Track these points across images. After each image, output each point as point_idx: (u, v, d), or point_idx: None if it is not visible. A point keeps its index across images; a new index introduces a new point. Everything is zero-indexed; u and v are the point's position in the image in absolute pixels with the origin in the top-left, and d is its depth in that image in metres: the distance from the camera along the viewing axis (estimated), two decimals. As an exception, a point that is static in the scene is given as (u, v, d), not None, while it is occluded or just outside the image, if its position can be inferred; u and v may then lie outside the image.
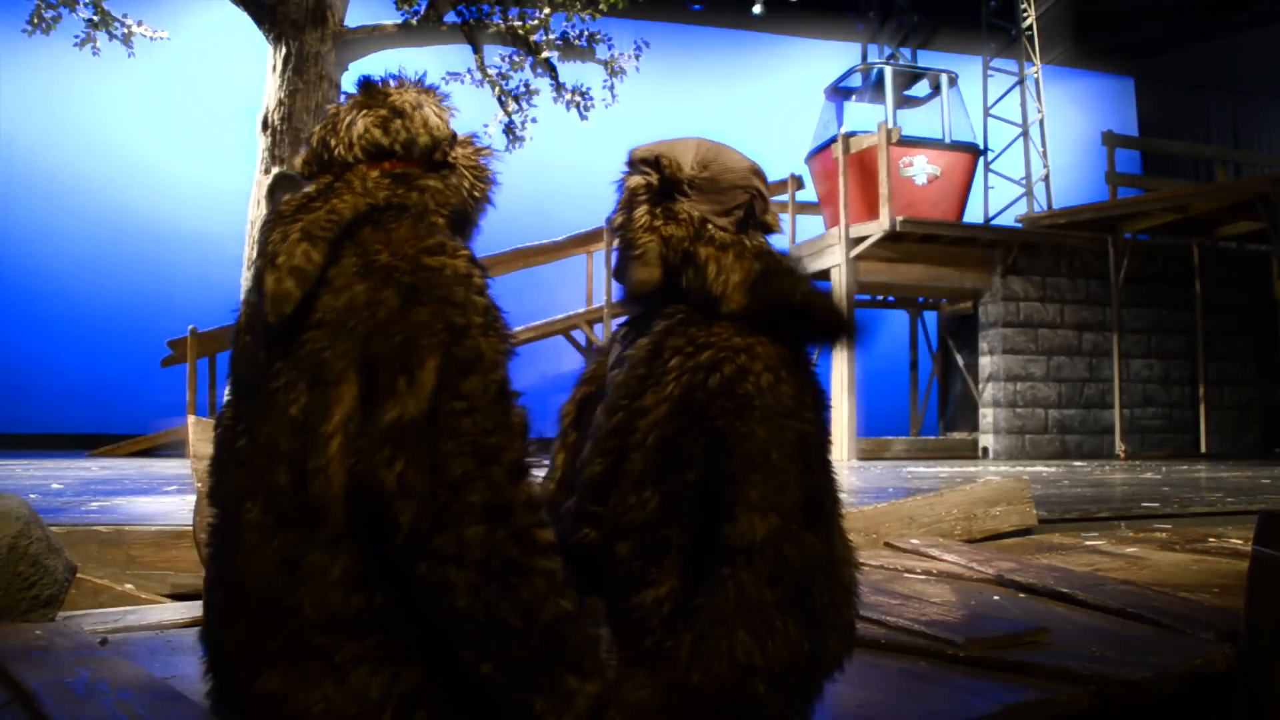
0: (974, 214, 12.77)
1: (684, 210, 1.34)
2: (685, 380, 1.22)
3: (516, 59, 8.47)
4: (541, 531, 1.13)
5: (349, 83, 1.57)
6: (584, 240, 11.27)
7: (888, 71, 12.50)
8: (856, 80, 13.06)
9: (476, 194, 1.39)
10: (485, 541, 1.09)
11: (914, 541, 3.17)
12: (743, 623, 1.13)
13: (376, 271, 1.17)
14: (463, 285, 1.19)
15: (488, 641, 1.10)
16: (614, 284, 1.44)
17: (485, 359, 1.16)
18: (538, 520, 1.13)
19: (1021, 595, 2.47)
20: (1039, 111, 13.63)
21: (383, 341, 1.14)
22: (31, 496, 4.16)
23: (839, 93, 13.10)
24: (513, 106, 8.52)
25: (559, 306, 11.47)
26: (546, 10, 8.22)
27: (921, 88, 12.85)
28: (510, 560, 1.10)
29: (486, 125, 8.42)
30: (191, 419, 1.89)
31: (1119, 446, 11.22)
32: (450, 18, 8.14)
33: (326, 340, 1.16)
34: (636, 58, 8.60)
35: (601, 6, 8.19)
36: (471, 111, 8.35)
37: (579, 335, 11.43)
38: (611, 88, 8.61)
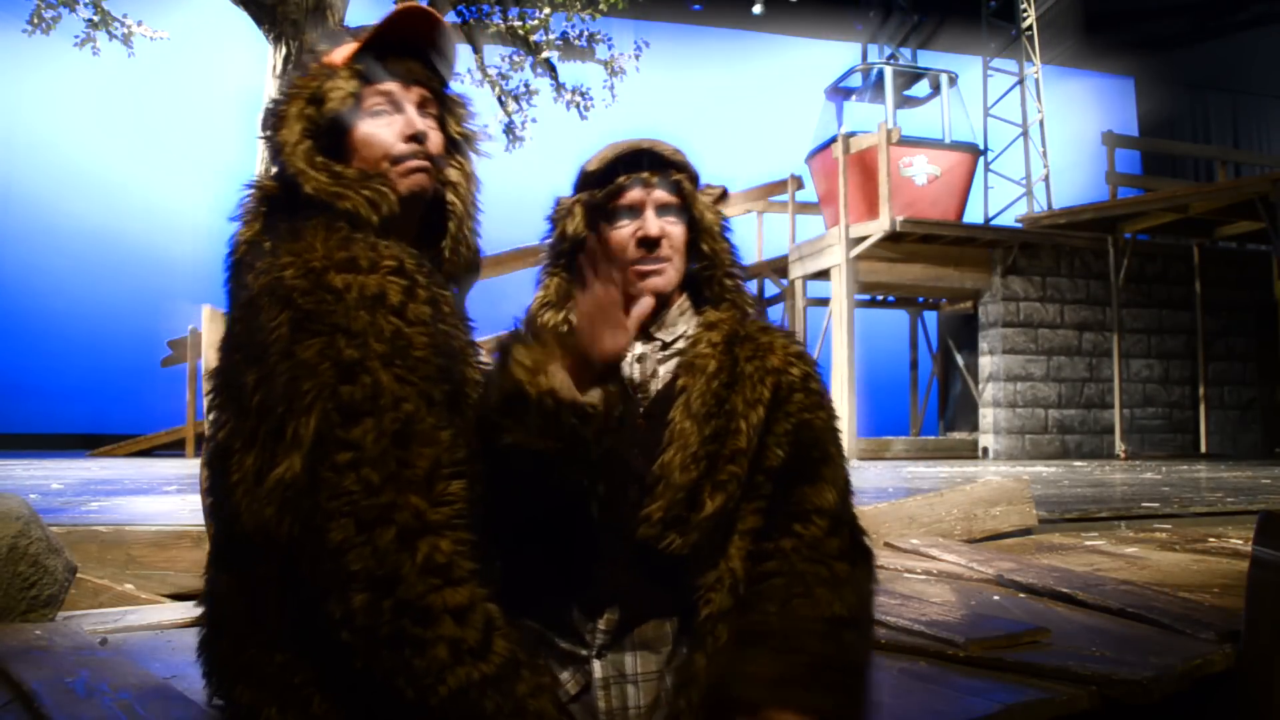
0: (974, 214, 12.78)
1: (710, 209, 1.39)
2: (770, 381, 1.28)
3: (516, 59, 8.47)
4: (445, 594, 1.02)
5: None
6: (584, 240, 11.24)
7: (888, 71, 12.50)
8: (856, 80, 13.06)
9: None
10: (370, 611, 1.00)
11: (914, 541, 3.17)
12: (818, 580, 1.20)
13: (279, 291, 1.07)
14: (368, 309, 1.07)
15: (389, 706, 1.03)
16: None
17: (384, 396, 1.05)
18: (438, 584, 1.03)
19: (1021, 595, 2.47)
20: (1039, 111, 13.63)
21: (273, 382, 1.05)
22: (31, 496, 4.16)
23: (839, 93, 13.10)
24: (513, 106, 8.52)
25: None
26: (546, 10, 8.22)
27: (921, 88, 12.85)
28: (399, 631, 1.00)
29: (486, 125, 8.42)
30: (207, 309, 1.84)
31: (1119, 446, 11.22)
32: (450, 18, 8.13)
33: (244, 365, 1.09)
34: (636, 58, 8.61)
35: (601, 6, 8.19)
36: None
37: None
38: (611, 88, 8.62)
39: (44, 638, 1.78)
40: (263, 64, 7.82)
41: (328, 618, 1.02)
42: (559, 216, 1.39)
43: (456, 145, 1.32)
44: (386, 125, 1.23)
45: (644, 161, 1.33)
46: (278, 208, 1.20)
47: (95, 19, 7.59)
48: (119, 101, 13.23)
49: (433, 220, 1.30)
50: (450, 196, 1.30)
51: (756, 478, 1.26)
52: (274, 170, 1.24)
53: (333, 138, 1.22)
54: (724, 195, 1.41)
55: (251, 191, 1.24)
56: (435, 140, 1.26)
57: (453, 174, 1.30)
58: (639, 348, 1.34)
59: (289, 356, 1.04)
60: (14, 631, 1.82)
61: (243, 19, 7.85)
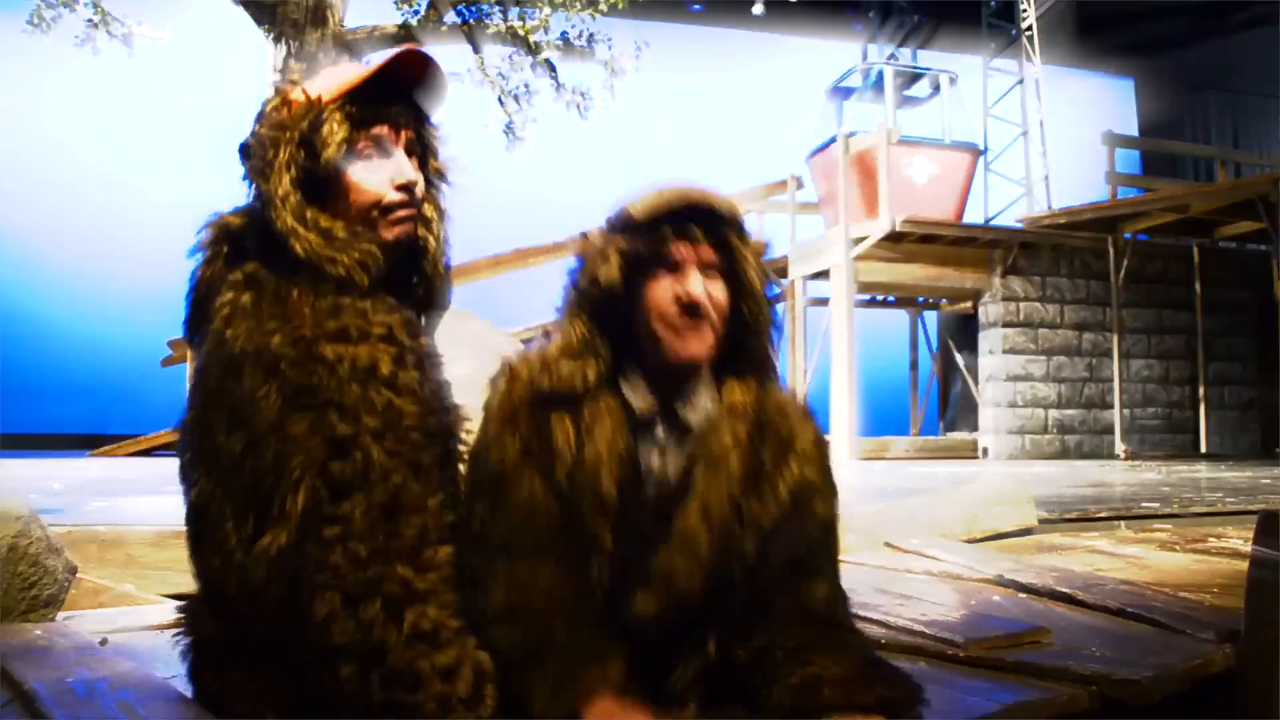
0: (974, 214, 12.77)
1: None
2: (791, 485, 1.24)
3: (516, 59, 8.46)
4: (433, 658, 1.04)
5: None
6: (584, 240, 11.22)
7: (888, 71, 12.51)
8: (856, 80, 13.07)
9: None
10: (358, 681, 1.02)
11: (914, 541, 3.17)
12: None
13: (265, 358, 1.06)
14: (360, 382, 1.07)
15: None
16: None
17: (374, 470, 1.06)
18: (426, 650, 1.04)
19: (1021, 595, 2.47)
20: (1039, 112, 13.62)
21: (261, 453, 1.05)
22: (31, 496, 4.15)
23: (839, 93, 13.10)
24: (513, 106, 8.51)
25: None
26: (546, 10, 8.22)
27: (922, 88, 12.86)
28: (390, 700, 1.02)
29: (487, 125, 8.43)
30: None
31: (1119, 447, 11.21)
32: (450, 18, 8.14)
33: (222, 427, 1.08)
34: (636, 58, 8.59)
35: (602, 6, 8.19)
36: (472, 111, 8.35)
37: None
38: (611, 88, 8.61)
39: (44, 638, 1.78)
40: (263, 64, 7.82)
41: (319, 683, 1.03)
42: (590, 255, 1.24)
43: (431, 181, 1.29)
44: (377, 171, 1.20)
45: (694, 214, 1.20)
46: (242, 245, 1.18)
47: (95, 19, 7.58)
48: (119, 101, 13.23)
49: (404, 258, 1.28)
50: (423, 233, 1.27)
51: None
52: (245, 207, 1.22)
53: (319, 179, 1.19)
54: (765, 249, 1.28)
55: (212, 226, 1.23)
56: (421, 186, 1.24)
57: (428, 210, 1.28)
58: (660, 433, 1.24)
59: (278, 430, 1.04)
60: (14, 631, 1.82)
61: (243, 19, 7.85)
